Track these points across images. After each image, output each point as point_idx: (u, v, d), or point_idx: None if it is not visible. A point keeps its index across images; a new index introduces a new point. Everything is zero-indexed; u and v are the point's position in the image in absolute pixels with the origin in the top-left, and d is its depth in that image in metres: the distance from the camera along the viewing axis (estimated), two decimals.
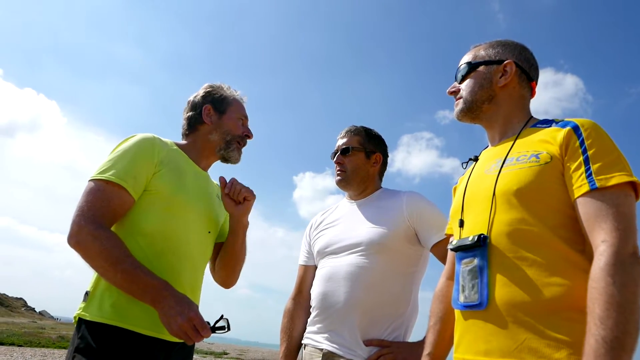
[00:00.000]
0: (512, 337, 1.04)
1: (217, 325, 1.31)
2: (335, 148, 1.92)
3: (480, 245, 1.13)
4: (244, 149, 1.73)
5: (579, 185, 1.05)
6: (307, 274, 1.90)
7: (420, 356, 1.32)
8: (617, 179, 1.02)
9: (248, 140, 1.73)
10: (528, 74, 1.32)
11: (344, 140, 1.90)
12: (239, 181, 1.59)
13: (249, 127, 1.75)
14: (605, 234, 0.98)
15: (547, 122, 1.23)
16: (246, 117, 1.74)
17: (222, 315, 1.34)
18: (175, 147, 1.60)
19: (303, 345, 1.77)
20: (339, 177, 1.87)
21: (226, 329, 1.32)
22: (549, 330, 1.00)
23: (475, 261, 1.14)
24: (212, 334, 1.29)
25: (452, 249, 1.25)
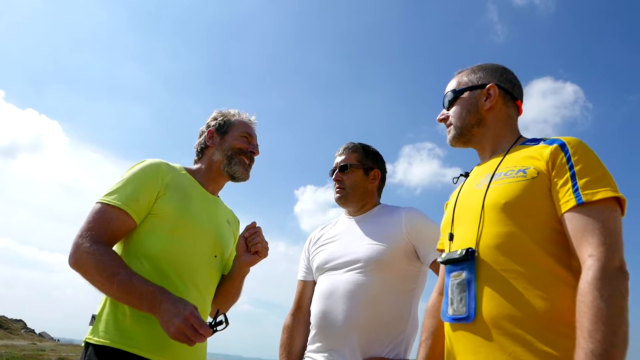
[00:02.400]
0: (500, 349, 1.05)
1: (216, 321, 1.30)
2: (334, 165, 1.93)
3: (468, 259, 1.16)
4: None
5: (566, 200, 1.08)
6: (306, 289, 1.90)
7: None
8: (603, 194, 1.05)
9: (256, 158, 1.74)
10: (512, 94, 1.37)
11: (342, 157, 1.92)
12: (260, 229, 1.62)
13: (254, 143, 1.74)
14: (592, 249, 1.00)
15: (535, 141, 1.27)
16: (251, 135, 1.74)
17: (218, 311, 1.33)
18: (184, 172, 1.63)
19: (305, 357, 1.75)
20: (338, 195, 1.89)
21: (225, 325, 1.31)
22: (537, 343, 1.02)
23: (464, 274, 1.16)
24: (213, 332, 1.28)
25: (441, 262, 1.27)
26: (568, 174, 1.09)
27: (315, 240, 1.95)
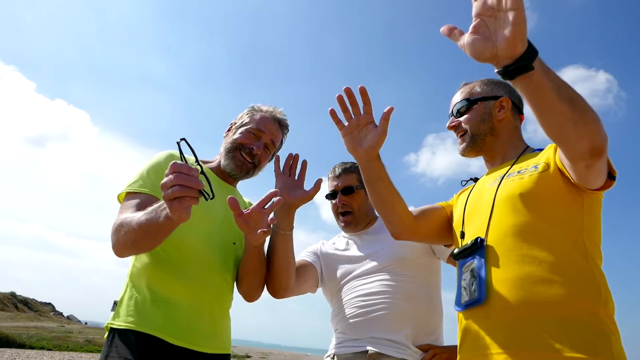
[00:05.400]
0: (515, 330, 1.07)
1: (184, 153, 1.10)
2: (333, 188, 1.86)
3: (478, 247, 1.20)
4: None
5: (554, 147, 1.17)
6: (307, 266, 1.81)
7: None
8: None
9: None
10: (519, 108, 1.46)
11: (343, 179, 1.84)
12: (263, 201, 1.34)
13: (264, 141, 1.62)
14: None
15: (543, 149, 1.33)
16: (262, 131, 1.61)
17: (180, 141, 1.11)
18: (200, 163, 1.57)
19: (331, 356, 1.71)
20: (348, 222, 1.82)
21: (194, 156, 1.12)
22: (553, 327, 1.03)
23: (475, 262, 1.20)
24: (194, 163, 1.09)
25: (454, 258, 1.31)
26: None
27: (324, 254, 1.88)
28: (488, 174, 1.41)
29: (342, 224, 1.84)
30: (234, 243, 1.55)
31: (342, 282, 1.76)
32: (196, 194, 1.00)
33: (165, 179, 1.01)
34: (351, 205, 1.81)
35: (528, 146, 1.40)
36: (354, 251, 1.82)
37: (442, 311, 1.76)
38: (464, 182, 1.50)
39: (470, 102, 1.43)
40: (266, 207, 1.29)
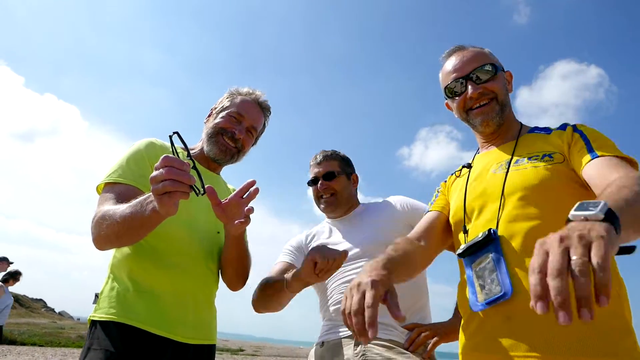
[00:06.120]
0: (543, 330, 0.98)
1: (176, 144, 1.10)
2: (314, 175, 1.92)
3: (492, 239, 1.10)
4: (246, 154, 1.63)
5: (584, 159, 1.09)
6: (289, 270, 1.79)
7: (458, 330, 1.28)
8: (617, 153, 1.07)
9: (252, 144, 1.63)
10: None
11: (324, 165, 1.92)
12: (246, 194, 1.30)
13: (245, 125, 1.59)
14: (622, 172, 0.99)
15: (545, 130, 1.28)
16: (242, 116, 1.59)
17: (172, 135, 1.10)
18: (181, 151, 1.53)
19: (320, 343, 1.73)
20: (327, 202, 1.88)
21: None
22: (584, 327, 0.95)
23: (490, 256, 1.10)
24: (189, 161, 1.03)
25: (460, 255, 1.21)
26: (584, 145, 1.12)
27: (308, 243, 1.91)
28: (483, 156, 1.33)
29: (323, 206, 1.89)
30: (218, 232, 1.53)
31: None
32: (187, 189, 0.98)
33: (155, 173, 0.97)
34: (333, 187, 1.88)
35: (522, 124, 1.35)
36: (336, 238, 1.86)
37: (428, 290, 1.80)
38: (458, 173, 1.40)
39: (496, 69, 1.31)
40: (244, 196, 1.27)
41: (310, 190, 1.96)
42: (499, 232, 1.11)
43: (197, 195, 1.03)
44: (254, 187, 1.28)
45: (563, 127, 1.22)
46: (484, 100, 1.29)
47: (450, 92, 1.35)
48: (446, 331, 1.62)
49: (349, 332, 1.63)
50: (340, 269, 1.72)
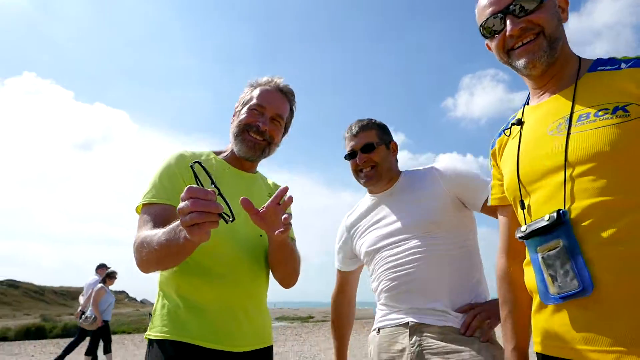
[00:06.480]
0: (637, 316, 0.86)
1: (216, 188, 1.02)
2: (351, 148, 1.78)
3: (562, 223, 0.93)
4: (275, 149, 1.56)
5: None
6: (347, 276, 1.95)
7: None
8: None
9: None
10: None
11: (362, 137, 1.77)
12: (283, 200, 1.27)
13: (269, 115, 1.51)
14: None
15: (612, 63, 1.01)
16: (263, 107, 1.52)
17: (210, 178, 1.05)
18: (212, 156, 1.55)
19: (376, 330, 1.71)
20: (368, 175, 1.75)
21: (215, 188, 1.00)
22: None
23: (561, 242, 0.94)
24: (217, 192, 0.99)
25: (522, 238, 1.05)
26: None
27: (353, 227, 1.87)
28: (535, 108, 1.11)
29: (364, 180, 1.76)
30: (261, 235, 1.49)
31: (372, 254, 1.73)
32: (216, 217, 0.95)
33: (181, 204, 0.95)
34: (373, 159, 1.74)
35: (580, 59, 1.08)
36: (379, 215, 1.77)
37: (482, 264, 1.70)
38: (508, 131, 1.18)
39: None
40: (280, 203, 1.24)
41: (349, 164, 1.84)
42: (570, 213, 0.93)
43: (227, 222, 1.00)
44: (287, 194, 1.24)
45: (638, 62, 0.96)
46: (528, 36, 1.06)
47: (487, 31, 1.13)
48: (496, 311, 1.47)
49: (404, 320, 1.59)
50: (386, 253, 1.69)
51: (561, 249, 0.93)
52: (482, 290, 1.65)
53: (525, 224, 1.05)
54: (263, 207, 1.25)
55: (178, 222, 1.07)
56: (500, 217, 1.28)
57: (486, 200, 1.52)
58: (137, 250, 1.26)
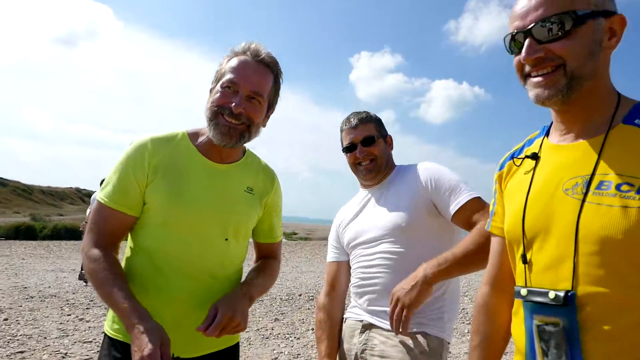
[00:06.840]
0: None
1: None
2: (350, 140, 1.75)
3: (567, 304, 0.83)
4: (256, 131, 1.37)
5: None
6: (339, 269, 1.83)
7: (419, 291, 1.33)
8: None
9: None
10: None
11: (361, 130, 1.74)
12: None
13: (244, 93, 1.30)
14: None
15: None
16: (235, 82, 1.30)
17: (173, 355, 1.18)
18: (186, 142, 1.37)
19: (344, 319, 1.78)
20: (367, 169, 1.73)
21: None
22: None
23: (561, 322, 0.85)
24: None
25: (519, 297, 0.95)
26: None
27: (341, 219, 1.88)
28: (556, 149, 0.95)
29: (363, 173, 1.75)
30: (226, 239, 1.36)
31: (351, 249, 1.77)
32: None
33: None
34: (373, 152, 1.74)
35: (620, 98, 0.90)
36: (364, 209, 1.78)
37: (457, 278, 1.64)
38: (519, 161, 1.04)
39: (576, 20, 0.85)
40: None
41: (347, 157, 1.80)
42: (577, 294, 0.84)
43: None
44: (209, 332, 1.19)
45: None
46: (545, 67, 0.89)
47: (508, 47, 0.96)
48: (407, 300, 1.39)
49: (360, 317, 1.66)
50: (359, 251, 1.71)
51: (560, 330, 0.85)
52: (447, 302, 1.60)
53: (525, 281, 0.94)
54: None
55: (132, 310, 1.12)
56: (493, 243, 1.17)
57: (458, 210, 1.51)
58: (84, 259, 1.26)
